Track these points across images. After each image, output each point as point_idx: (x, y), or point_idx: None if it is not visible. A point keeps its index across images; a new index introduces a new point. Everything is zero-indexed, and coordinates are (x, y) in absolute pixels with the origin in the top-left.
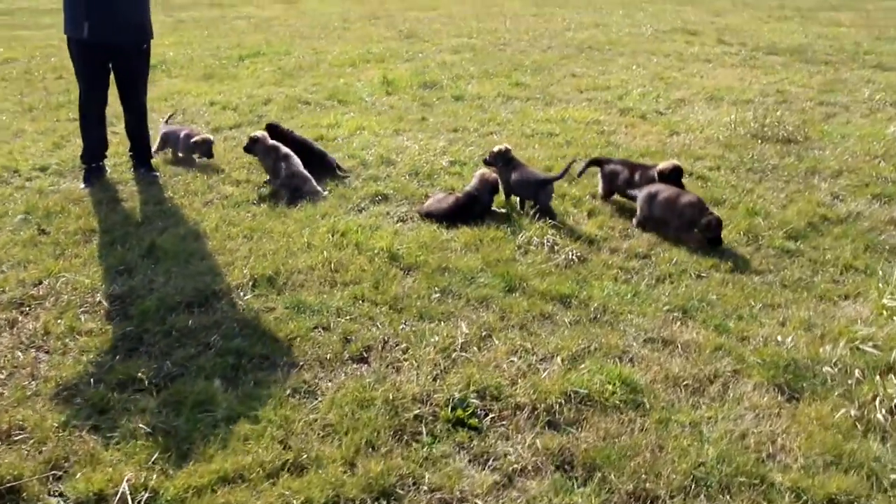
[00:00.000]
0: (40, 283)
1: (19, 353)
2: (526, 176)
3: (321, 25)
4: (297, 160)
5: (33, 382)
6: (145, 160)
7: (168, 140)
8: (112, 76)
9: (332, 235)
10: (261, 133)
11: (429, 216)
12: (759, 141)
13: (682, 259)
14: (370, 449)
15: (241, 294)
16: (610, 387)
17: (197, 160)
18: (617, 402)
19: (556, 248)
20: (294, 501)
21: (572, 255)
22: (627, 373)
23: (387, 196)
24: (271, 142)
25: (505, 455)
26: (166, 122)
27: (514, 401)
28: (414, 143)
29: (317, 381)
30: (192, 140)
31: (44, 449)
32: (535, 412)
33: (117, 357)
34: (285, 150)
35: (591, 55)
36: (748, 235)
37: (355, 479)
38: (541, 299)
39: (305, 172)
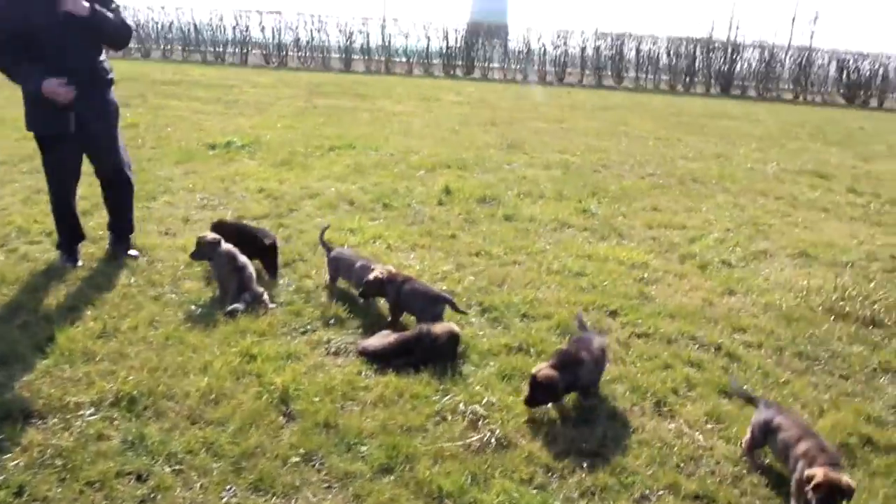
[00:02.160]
0: None
1: None
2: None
3: (435, 125)
4: (250, 273)
5: None
6: (126, 236)
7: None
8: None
9: (240, 360)
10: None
11: (363, 354)
12: (832, 317)
13: (635, 468)
14: None
15: (87, 412)
16: None
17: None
18: None
19: (479, 422)
20: None
21: (494, 436)
22: None
23: (343, 321)
24: (226, 246)
25: None
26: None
27: None
28: (419, 262)
29: None
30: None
31: None
32: None
33: None
34: (242, 260)
35: (690, 188)
36: None
37: None
38: (414, 492)
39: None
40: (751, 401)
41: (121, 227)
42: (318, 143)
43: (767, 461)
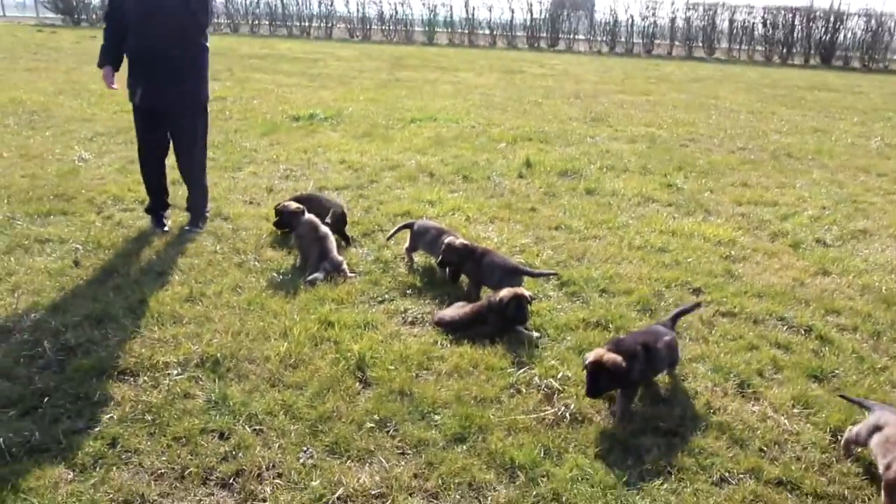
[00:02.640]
0: (23, 315)
1: None
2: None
3: (518, 98)
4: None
5: None
6: (194, 218)
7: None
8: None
9: (318, 327)
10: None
11: (439, 324)
12: None
13: (715, 450)
14: None
15: (174, 372)
16: None
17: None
18: None
19: (554, 396)
20: None
21: (569, 411)
22: None
23: (420, 291)
24: (308, 216)
25: None
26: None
27: None
28: (497, 235)
29: (155, 497)
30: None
31: None
32: None
33: (12, 412)
34: (324, 230)
35: (784, 164)
36: (837, 436)
37: None
38: (486, 462)
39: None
40: (865, 408)
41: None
42: (399, 115)
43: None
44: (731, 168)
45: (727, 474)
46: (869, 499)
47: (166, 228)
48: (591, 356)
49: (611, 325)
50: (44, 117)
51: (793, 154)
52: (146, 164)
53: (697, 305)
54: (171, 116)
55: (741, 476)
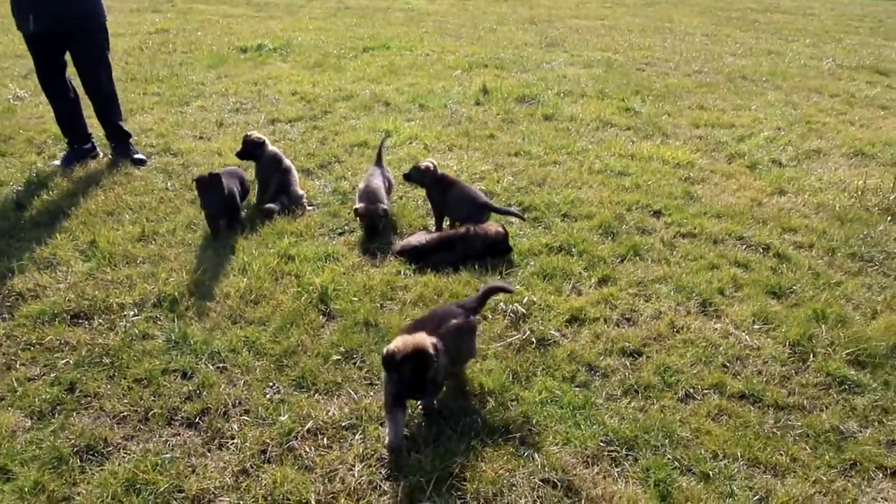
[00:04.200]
0: None
1: None
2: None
3: (472, 24)
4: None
5: None
6: (123, 141)
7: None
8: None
9: (278, 261)
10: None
11: (402, 253)
12: (889, 217)
13: (679, 367)
14: None
15: (131, 313)
16: None
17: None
18: None
19: (520, 322)
20: None
21: (535, 335)
22: None
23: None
24: (272, 148)
25: None
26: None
27: None
28: (456, 163)
29: (119, 440)
30: (354, 208)
31: None
32: None
33: None
34: (287, 163)
35: (739, 86)
36: (795, 349)
37: None
38: (451, 389)
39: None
40: None
41: (111, 135)
42: (351, 44)
43: (813, 366)
44: (687, 91)
45: (692, 390)
46: (826, 407)
47: (98, 156)
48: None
49: (573, 250)
50: None
51: (747, 76)
52: (51, 91)
53: (508, 290)
54: (66, 38)
55: (706, 391)
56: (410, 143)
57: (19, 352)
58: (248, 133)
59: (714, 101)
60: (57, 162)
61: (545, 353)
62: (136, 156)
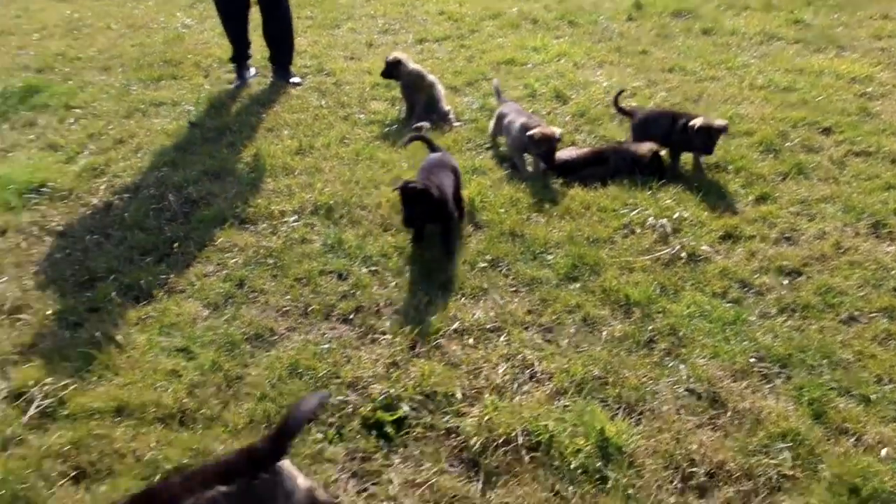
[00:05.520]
0: (148, 172)
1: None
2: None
3: None
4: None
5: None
6: (285, 66)
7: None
8: None
9: None
10: (403, 56)
11: (551, 168)
12: None
13: (844, 289)
14: (262, 425)
15: (291, 220)
16: (581, 442)
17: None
18: (576, 465)
19: (670, 236)
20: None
21: (685, 250)
22: (616, 433)
23: None
24: (413, 66)
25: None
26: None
27: (450, 423)
28: (606, 79)
29: (283, 330)
30: (529, 134)
31: None
32: (458, 444)
33: (148, 259)
34: (430, 79)
35: None
36: None
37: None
38: (600, 299)
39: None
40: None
41: (276, 56)
42: None
43: None
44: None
45: (857, 313)
46: None
47: (249, 78)
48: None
49: (730, 167)
50: None
51: None
52: (227, 11)
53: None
54: None
55: (873, 314)
56: (559, 60)
57: (196, 251)
58: (391, 55)
59: None
60: (233, 85)
61: (695, 268)
62: (292, 79)
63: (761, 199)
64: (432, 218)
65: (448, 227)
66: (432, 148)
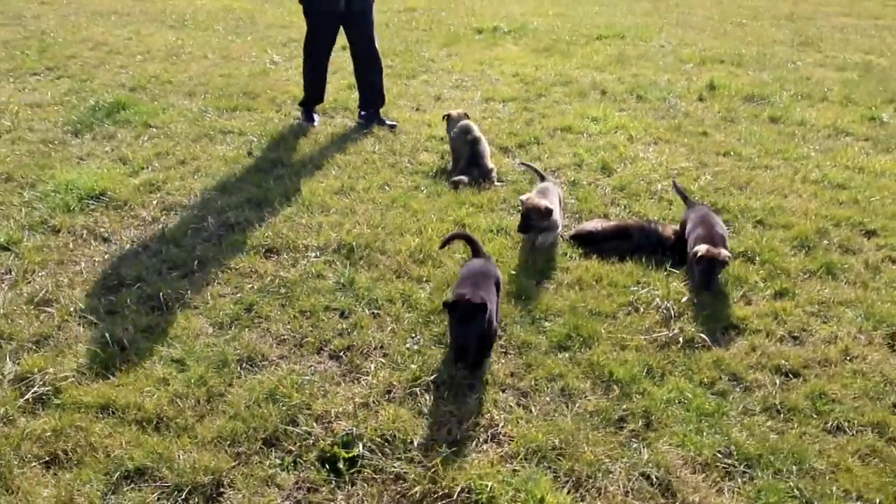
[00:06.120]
0: (197, 194)
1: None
2: None
3: (721, 17)
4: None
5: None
6: (377, 109)
7: None
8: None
9: (452, 227)
10: (454, 112)
11: (575, 238)
12: None
13: (839, 397)
14: (227, 442)
15: (312, 255)
16: None
17: None
18: None
19: (671, 320)
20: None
21: (683, 335)
22: None
23: (566, 204)
24: (466, 121)
25: None
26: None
27: (399, 469)
28: (655, 156)
29: (274, 357)
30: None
31: None
32: (400, 490)
33: (174, 273)
34: (476, 134)
35: None
36: None
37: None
38: (584, 371)
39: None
40: None
41: (374, 101)
42: (585, 31)
43: None
44: None
45: (846, 423)
46: None
47: (316, 123)
48: None
49: (756, 259)
50: (248, 24)
51: None
52: (317, 61)
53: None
54: (352, 15)
55: (861, 428)
56: (615, 132)
57: (219, 272)
58: (450, 111)
59: None
60: (300, 121)
61: (690, 354)
62: (387, 122)
63: (779, 294)
64: (480, 339)
65: (487, 346)
66: (475, 251)
